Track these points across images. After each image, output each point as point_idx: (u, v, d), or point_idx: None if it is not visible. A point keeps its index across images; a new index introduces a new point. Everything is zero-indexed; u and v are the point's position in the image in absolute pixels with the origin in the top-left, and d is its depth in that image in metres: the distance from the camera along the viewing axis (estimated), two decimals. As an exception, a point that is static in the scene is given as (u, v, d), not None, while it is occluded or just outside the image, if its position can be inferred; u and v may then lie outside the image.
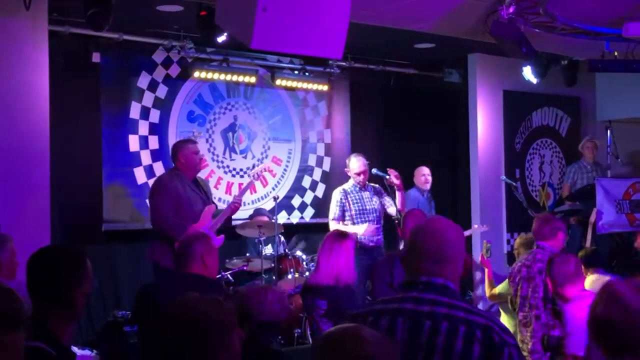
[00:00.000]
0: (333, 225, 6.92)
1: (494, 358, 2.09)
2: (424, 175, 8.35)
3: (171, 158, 6.26)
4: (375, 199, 7.07)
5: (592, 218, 8.32)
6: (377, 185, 7.18)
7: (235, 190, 7.94)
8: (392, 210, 7.02)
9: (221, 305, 2.06)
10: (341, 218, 7.02)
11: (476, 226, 8.48)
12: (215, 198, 7.31)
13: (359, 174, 7.02)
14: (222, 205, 7.08)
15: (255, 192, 8.27)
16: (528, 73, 8.02)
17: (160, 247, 5.75)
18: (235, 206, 6.14)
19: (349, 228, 6.75)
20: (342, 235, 5.38)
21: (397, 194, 6.95)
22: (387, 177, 6.91)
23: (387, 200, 7.08)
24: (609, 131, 9.22)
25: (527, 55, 6.50)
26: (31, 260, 2.70)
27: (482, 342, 2.11)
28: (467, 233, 8.17)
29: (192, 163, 6.04)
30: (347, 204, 7.00)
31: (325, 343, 1.74)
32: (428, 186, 8.35)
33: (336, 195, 7.11)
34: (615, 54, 7.21)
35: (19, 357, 1.74)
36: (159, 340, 1.99)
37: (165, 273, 5.53)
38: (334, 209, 7.07)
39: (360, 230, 6.84)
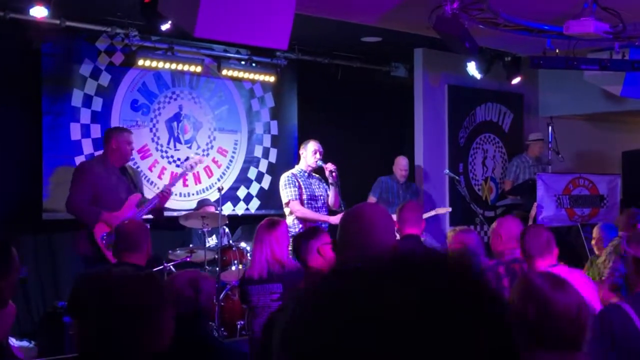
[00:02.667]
0: (295, 207, 6.75)
1: None
2: (402, 168, 8.47)
3: (102, 143, 6.23)
4: (321, 185, 7.07)
5: (533, 212, 8.48)
6: (317, 176, 7.17)
7: (180, 182, 7.87)
8: (330, 200, 7.01)
9: (151, 282, 2.04)
10: (300, 198, 6.84)
11: (437, 209, 8.52)
12: (157, 188, 7.26)
13: (316, 152, 6.97)
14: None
15: (200, 182, 8.21)
16: (472, 69, 8.13)
17: (86, 239, 5.75)
18: (163, 195, 6.10)
19: (317, 216, 6.77)
20: (272, 224, 5.20)
21: (331, 188, 6.92)
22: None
23: (330, 190, 7.06)
24: (550, 127, 9.40)
25: (470, 51, 6.58)
26: None
27: None
28: (430, 214, 8.25)
29: (123, 152, 6.05)
30: (299, 187, 6.89)
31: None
32: (404, 179, 8.47)
33: (285, 178, 6.94)
34: (557, 51, 7.34)
35: None
36: (86, 317, 1.98)
37: (97, 264, 5.53)
38: (288, 191, 6.84)
39: (333, 220, 6.76)
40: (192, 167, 6.66)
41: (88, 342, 2.07)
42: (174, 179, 6.65)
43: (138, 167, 7.42)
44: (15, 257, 2.61)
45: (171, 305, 2.10)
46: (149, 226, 5.77)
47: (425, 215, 8.12)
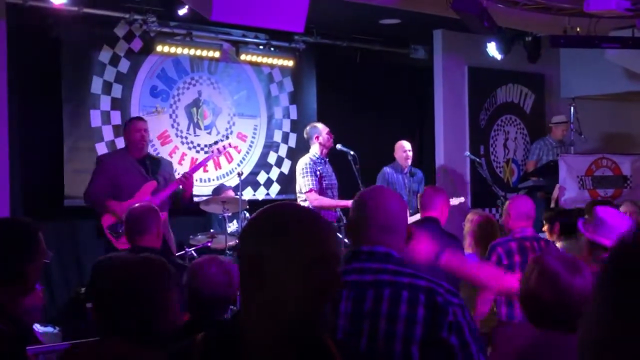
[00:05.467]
0: (312, 197, 6.58)
1: (438, 319, 2.10)
2: (404, 151, 7.96)
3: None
4: (333, 172, 7.03)
5: (555, 194, 8.42)
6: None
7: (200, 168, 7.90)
8: None
9: (155, 266, 2.06)
10: (319, 189, 6.68)
11: (453, 199, 8.45)
12: (177, 174, 7.27)
13: (329, 132, 6.90)
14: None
15: (220, 168, 8.23)
16: (492, 49, 8.04)
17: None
18: (183, 181, 6.06)
19: (335, 202, 6.72)
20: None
21: None
22: (352, 153, 6.88)
23: None
24: (572, 108, 9.30)
25: (489, 30, 6.52)
26: None
27: (425, 305, 2.12)
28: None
29: (132, 140, 6.08)
30: (320, 176, 6.73)
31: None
32: (409, 162, 7.98)
33: (305, 165, 6.74)
34: (578, 29, 7.25)
35: None
36: (100, 302, 2.01)
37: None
38: (308, 180, 6.65)
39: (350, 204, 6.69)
40: (219, 152, 6.66)
41: (103, 325, 2.10)
42: (196, 165, 6.66)
43: (158, 153, 7.44)
44: (42, 242, 2.62)
45: (176, 288, 2.12)
46: (166, 214, 5.85)
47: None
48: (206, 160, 6.84)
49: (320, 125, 7.02)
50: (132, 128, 6.11)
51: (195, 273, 3.10)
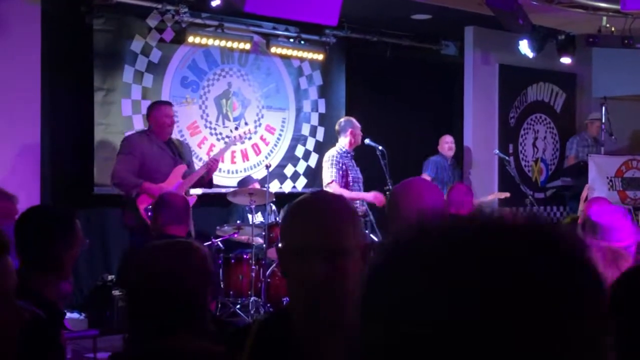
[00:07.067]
0: (333, 188, 6.62)
1: None
2: (447, 143, 8.50)
3: (146, 117, 6.35)
4: (357, 166, 7.04)
5: (584, 194, 8.33)
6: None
7: (228, 158, 7.93)
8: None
9: (191, 253, 2.04)
10: (341, 182, 6.74)
11: (496, 193, 8.47)
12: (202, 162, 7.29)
13: (360, 131, 6.98)
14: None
15: (247, 159, 8.25)
16: (524, 47, 7.98)
17: (131, 211, 5.86)
18: (210, 165, 6.14)
19: (355, 194, 6.73)
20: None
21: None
22: (380, 148, 6.88)
23: None
24: (604, 108, 9.20)
25: (523, 28, 6.46)
26: (21, 220, 2.67)
27: None
28: (488, 199, 8.23)
29: (160, 124, 6.12)
30: (345, 170, 6.81)
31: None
32: (451, 153, 8.52)
33: (331, 158, 6.83)
34: (613, 29, 7.16)
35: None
36: (132, 292, 2.00)
37: (142, 236, 5.64)
38: (332, 172, 6.76)
39: (369, 197, 6.79)
40: (240, 138, 6.69)
41: (133, 315, 2.09)
42: (223, 149, 6.76)
43: (185, 139, 7.46)
44: (79, 230, 2.64)
45: (210, 283, 2.10)
46: (195, 197, 5.91)
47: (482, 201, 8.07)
48: (228, 146, 6.91)
49: (354, 121, 7.06)
50: (162, 113, 6.14)
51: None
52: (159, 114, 6.15)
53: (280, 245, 1.69)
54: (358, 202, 6.71)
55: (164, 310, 1.96)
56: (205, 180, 6.22)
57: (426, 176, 8.06)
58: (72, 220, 2.63)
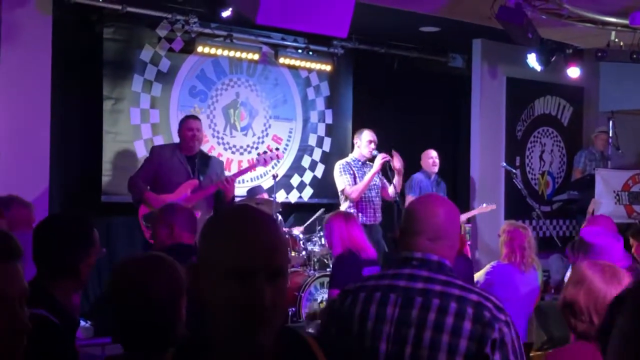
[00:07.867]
0: (348, 190, 6.86)
1: (484, 335, 2.10)
2: (431, 158, 8.17)
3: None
4: (375, 176, 7.06)
5: (591, 208, 8.33)
6: (371, 164, 7.16)
7: (234, 168, 7.94)
8: (391, 190, 7.01)
9: (166, 268, 2.06)
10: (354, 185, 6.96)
11: (484, 205, 8.42)
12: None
13: (371, 142, 7.05)
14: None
15: (254, 169, 8.25)
16: (532, 60, 7.99)
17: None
18: (223, 184, 6.04)
19: (366, 180, 6.89)
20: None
21: (396, 177, 6.94)
22: (390, 158, 6.92)
23: (385, 181, 7.11)
24: (610, 122, 9.21)
25: (532, 42, 6.47)
26: (39, 228, 2.67)
27: (472, 319, 2.11)
28: (473, 213, 8.23)
29: (182, 137, 6.22)
30: (354, 175, 6.98)
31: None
32: (435, 169, 8.15)
33: (340, 166, 7.05)
34: (621, 43, 7.18)
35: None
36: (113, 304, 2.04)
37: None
38: (344, 179, 6.96)
39: (378, 167, 6.86)
40: (265, 161, 6.62)
41: (120, 326, 2.11)
42: (242, 170, 6.76)
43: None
44: (97, 239, 2.65)
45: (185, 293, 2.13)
46: (199, 213, 5.91)
47: (467, 215, 8.11)
48: (251, 167, 6.88)
49: (364, 134, 7.16)
50: (184, 126, 6.20)
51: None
52: (182, 127, 6.23)
53: (202, 263, 1.48)
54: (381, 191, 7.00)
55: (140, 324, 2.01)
56: (226, 200, 6.12)
57: (410, 198, 7.86)
58: (90, 228, 2.64)
